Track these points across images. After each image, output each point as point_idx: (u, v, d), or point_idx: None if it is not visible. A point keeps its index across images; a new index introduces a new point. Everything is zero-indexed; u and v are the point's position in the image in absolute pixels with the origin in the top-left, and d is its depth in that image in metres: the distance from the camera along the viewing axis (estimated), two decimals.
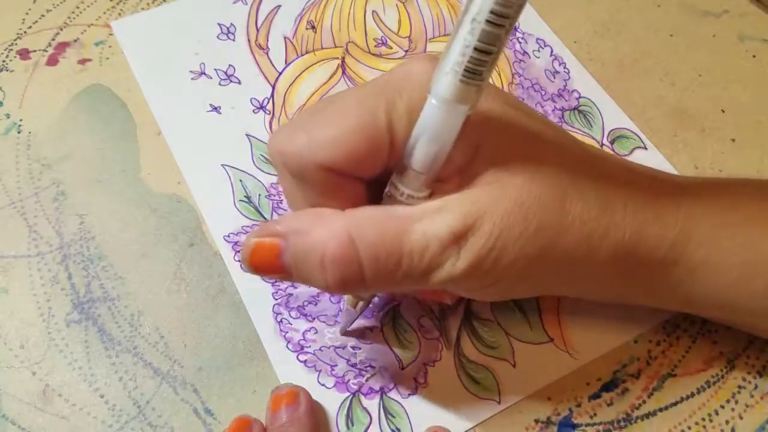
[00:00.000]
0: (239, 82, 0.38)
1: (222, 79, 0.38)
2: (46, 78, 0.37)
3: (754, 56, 0.40)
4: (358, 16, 0.41)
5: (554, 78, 0.40)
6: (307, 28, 0.41)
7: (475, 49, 0.21)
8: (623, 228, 0.27)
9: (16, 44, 0.38)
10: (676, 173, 0.36)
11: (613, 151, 0.37)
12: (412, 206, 0.25)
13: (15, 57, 0.38)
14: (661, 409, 0.31)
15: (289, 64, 0.39)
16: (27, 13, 0.39)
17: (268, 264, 0.25)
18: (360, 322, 0.32)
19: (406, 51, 0.40)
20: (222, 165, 0.36)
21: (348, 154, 0.24)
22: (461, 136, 0.24)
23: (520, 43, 0.41)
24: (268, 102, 0.38)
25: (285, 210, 0.34)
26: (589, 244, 0.26)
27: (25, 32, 0.39)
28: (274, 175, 0.35)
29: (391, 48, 0.40)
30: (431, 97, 0.23)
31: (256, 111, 0.37)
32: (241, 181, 0.35)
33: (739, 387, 0.31)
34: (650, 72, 0.39)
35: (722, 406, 0.30)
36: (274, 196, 0.35)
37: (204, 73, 0.38)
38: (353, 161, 0.25)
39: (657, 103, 0.38)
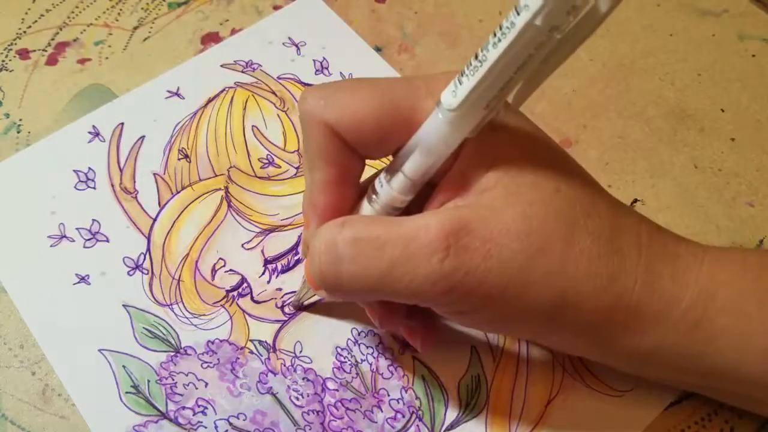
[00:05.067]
0: (107, 240, 0.32)
1: (86, 240, 0.32)
2: (46, 78, 0.37)
3: (753, 56, 0.40)
4: (236, 136, 0.36)
5: None
6: (179, 159, 0.35)
7: (484, 77, 0.21)
8: (634, 276, 0.24)
9: (15, 44, 0.38)
10: None
11: None
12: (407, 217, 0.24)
13: (15, 57, 0.38)
14: None
15: (164, 206, 0.33)
16: (26, 13, 0.39)
17: (311, 281, 0.25)
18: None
19: (297, 168, 0.35)
20: (99, 350, 0.30)
21: (355, 123, 0.24)
22: (469, 148, 0.24)
23: None
24: (144, 259, 0.32)
25: (181, 395, 0.29)
26: (594, 284, 0.24)
27: (24, 32, 0.39)
28: (162, 351, 0.30)
29: (279, 167, 0.35)
30: (437, 111, 0.23)
31: (131, 273, 0.32)
32: (124, 367, 0.30)
33: None
34: (650, 72, 0.39)
35: (722, 406, 0.30)
36: (167, 378, 0.30)
37: (65, 236, 0.32)
38: (357, 132, 0.24)
39: (657, 103, 0.38)
